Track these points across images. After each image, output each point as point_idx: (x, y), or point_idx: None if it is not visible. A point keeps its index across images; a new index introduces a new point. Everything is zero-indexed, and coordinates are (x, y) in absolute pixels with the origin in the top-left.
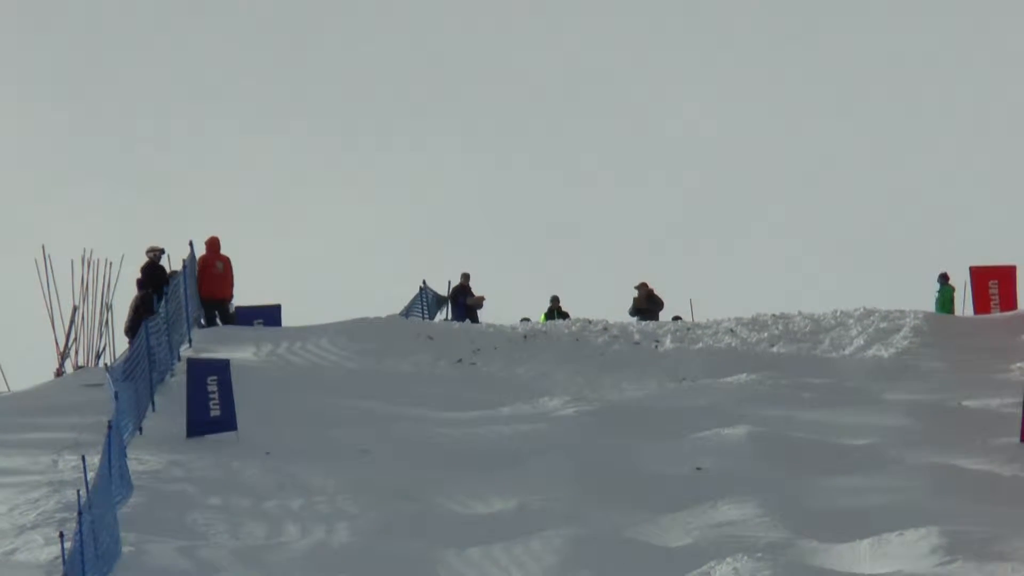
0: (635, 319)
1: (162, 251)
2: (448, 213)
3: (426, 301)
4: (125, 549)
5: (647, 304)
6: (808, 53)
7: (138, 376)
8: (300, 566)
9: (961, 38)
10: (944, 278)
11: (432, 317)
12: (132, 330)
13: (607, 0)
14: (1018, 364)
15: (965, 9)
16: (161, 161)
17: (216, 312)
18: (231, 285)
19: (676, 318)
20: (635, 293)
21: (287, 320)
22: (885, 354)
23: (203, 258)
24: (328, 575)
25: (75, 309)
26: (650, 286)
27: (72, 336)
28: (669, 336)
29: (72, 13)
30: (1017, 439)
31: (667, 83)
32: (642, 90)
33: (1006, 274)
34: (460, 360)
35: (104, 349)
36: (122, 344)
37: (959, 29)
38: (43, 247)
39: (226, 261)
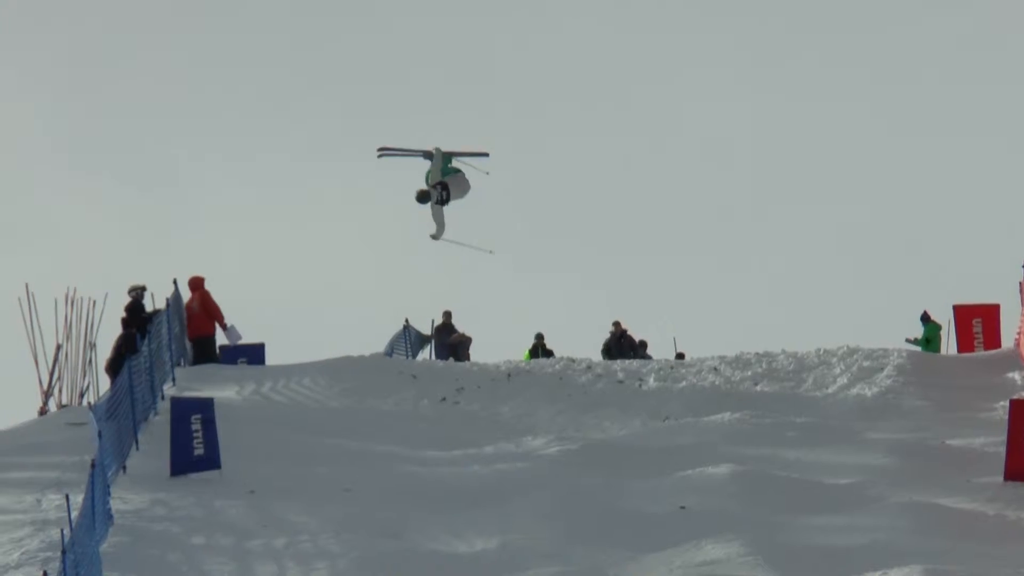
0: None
1: (143, 288)
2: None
3: (409, 339)
4: None
5: (616, 345)
6: (781, 76)
7: (121, 415)
8: None
9: (931, 65)
10: (926, 317)
11: (415, 355)
12: (113, 367)
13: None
14: (1001, 403)
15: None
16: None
17: (203, 350)
18: (211, 320)
19: (679, 355)
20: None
21: (271, 359)
22: (868, 393)
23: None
24: None
25: (59, 348)
26: (624, 326)
27: (56, 375)
28: (652, 375)
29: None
30: (1000, 478)
31: (642, 122)
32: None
33: (990, 313)
34: (444, 399)
35: (88, 388)
36: (106, 383)
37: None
38: (26, 285)
39: (199, 298)
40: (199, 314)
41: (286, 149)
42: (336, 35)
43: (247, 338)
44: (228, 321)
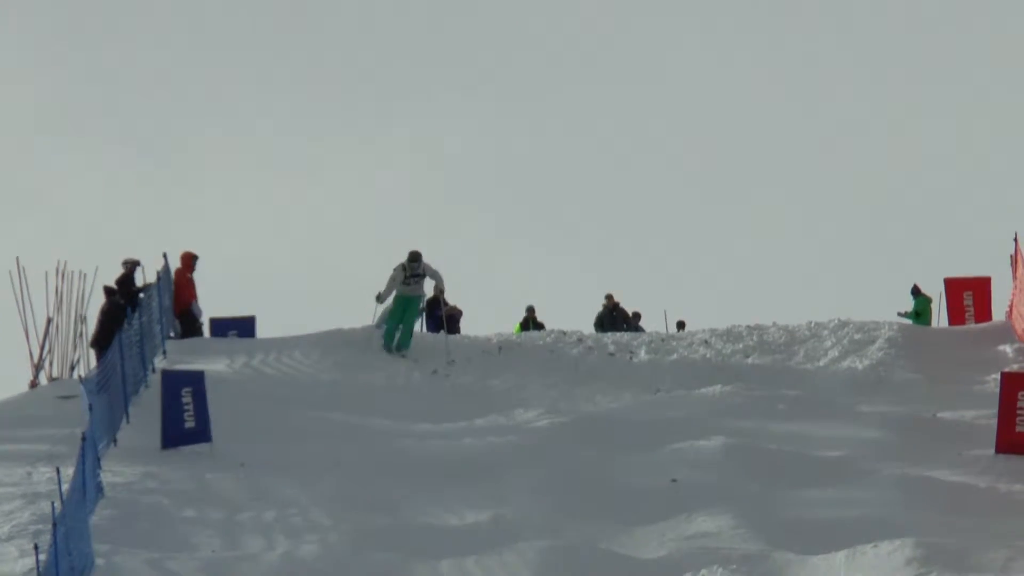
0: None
1: (137, 263)
2: (421, 217)
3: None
4: (98, 561)
5: (608, 318)
6: (775, 55)
7: (112, 388)
8: None
9: (930, 56)
10: (917, 290)
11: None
12: (98, 342)
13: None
14: (993, 376)
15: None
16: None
17: (191, 324)
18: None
19: (680, 324)
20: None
21: (261, 331)
22: (859, 366)
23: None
24: None
25: (49, 321)
26: (615, 299)
27: (46, 348)
28: (644, 348)
29: None
30: (992, 450)
31: (635, 97)
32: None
33: (981, 286)
34: (435, 371)
35: (78, 361)
36: (93, 353)
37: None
38: (17, 259)
39: (177, 272)
40: (183, 288)
41: (283, 121)
42: (335, 3)
43: (239, 311)
44: (199, 302)
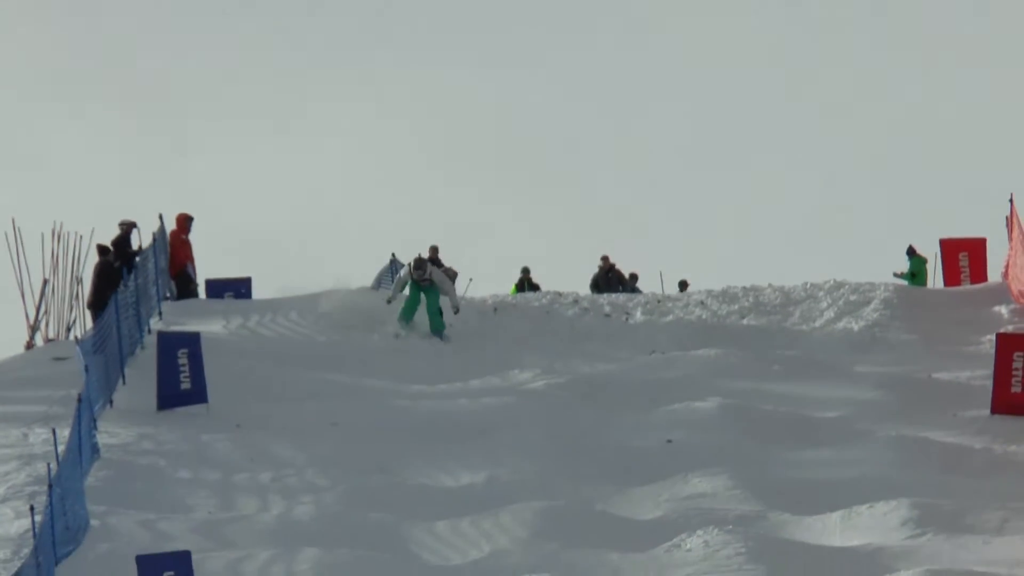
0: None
1: (134, 225)
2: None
3: (396, 274)
4: (93, 522)
5: (604, 279)
6: (774, 16)
7: (108, 349)
8: (268, 538)
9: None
10: (912, 251)
11: (402, 289)
12: (95, 300)
13: None
14: (988, 336)
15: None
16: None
17: (186, 285)
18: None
19: (683, 283)
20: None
21: (257, 292)
22: (855, 326)
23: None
24: (296, 547)
25: (45, 282)
26: (611, 260)
27: (42, 309)
28: (639, 309)
29: None
30: (987, 411)
31: (634, 57)
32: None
33: (976, 246)
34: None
35: (74, 322)
36: (89, 314)
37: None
38: (13, 220)
39: (172, 234)
40: (178, 250)
41: (280, 78)
42: None
43: (234, 272)
44: (194, 263)
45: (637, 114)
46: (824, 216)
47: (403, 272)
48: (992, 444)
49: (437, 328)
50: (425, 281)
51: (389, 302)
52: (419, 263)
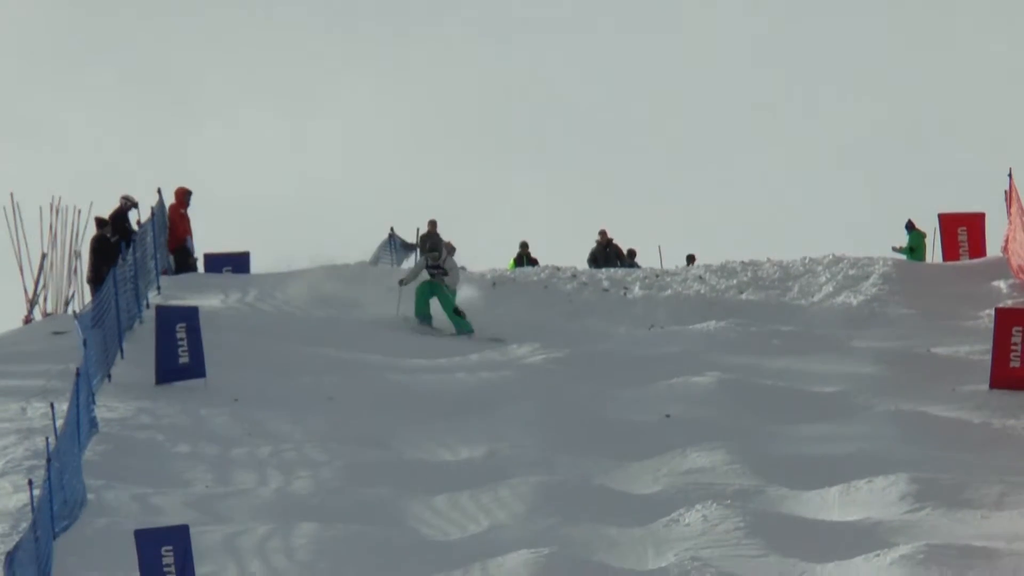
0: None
1: (135, 204)
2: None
3: (394, 248)
4: (89, 496)
5: (603, 254)
6: None
7: (107, 323)
8: (266, 513)
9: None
10: (911, 225)
11: (400, 264)
12: (93, 275)
13: None
14: (987, 311)
15: None
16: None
17: (184, 260)
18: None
19: (690, 257)
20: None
21: (256, 267)
22: (854, 301)
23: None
24: (294, 522)
25: (44, 256)
26: (609, 235)
27: (41, 283)
28: (638, 283)
29: None
30: (986, 386)
31: (634, 30)
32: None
33: (975, 221)
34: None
35: (73, 296)
36: (88, 289)
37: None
38: (11, 194)
39: (171, 209)
40: (177, 224)
41: (280, 51)
42: None
43: (233, 247)
44: (192, 238)
45: (636, 85)
46: (823, 190)
47: (419, 261)
48: (991, 419)
49: (464, 329)
50: (437, 269)
51: (402, 284)
52: (433, 244)
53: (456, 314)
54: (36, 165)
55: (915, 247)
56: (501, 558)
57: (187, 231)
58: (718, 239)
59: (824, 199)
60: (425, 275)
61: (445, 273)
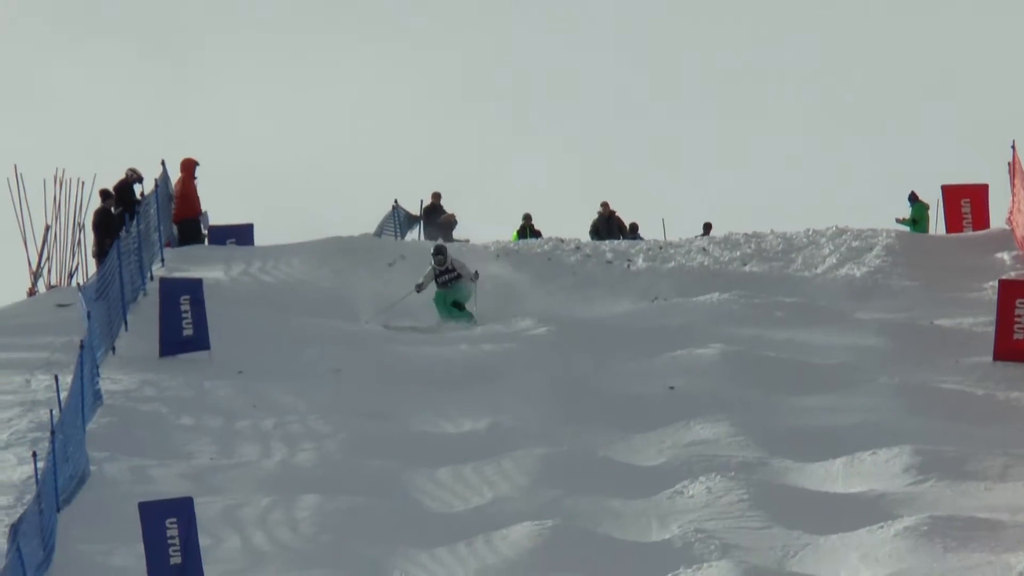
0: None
1: (140, 179)
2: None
3: (398, 220)
4: (92, 468)
5: (605, 226)
6: None
7: (111, 296)
8: (270, 485)
9: None
10: (914, 197)
11: (404, 236)
12: (98, 250)
13: None
14: (990, 283)
15: None
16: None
17: (189, 233)
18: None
19: (707, 225)
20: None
21: (259, 239)
22: (857, 273)
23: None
24: (298, 494)
25: (47, 228)
26: (611, 207)
27: (44, 256)
28: (641, 255)
29: None
30: (990, 358)
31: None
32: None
33: (978, 193)
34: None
35: (76, 268)
36: (94, 264)
37: None
38: (15, 166)
39: (180, 181)
40: (183, 197)
41: (286, 22)
42: None
43: (237, 219)
44: (203, 208)
45: (638, 56)
46: (826, 162)
47: (428, 270)
48: (994, 391)
49: (463, 319)
50: (448, 274)
51: (419, 290)
52: (439, 248)
53: (456, 307)
54: (40, 136)
55: (918, 219)
56: (505, 530)
57: (200, 204)
58: (722, 210)
59: (827, 170)
60: (434, 285)
61: (458, 276)
